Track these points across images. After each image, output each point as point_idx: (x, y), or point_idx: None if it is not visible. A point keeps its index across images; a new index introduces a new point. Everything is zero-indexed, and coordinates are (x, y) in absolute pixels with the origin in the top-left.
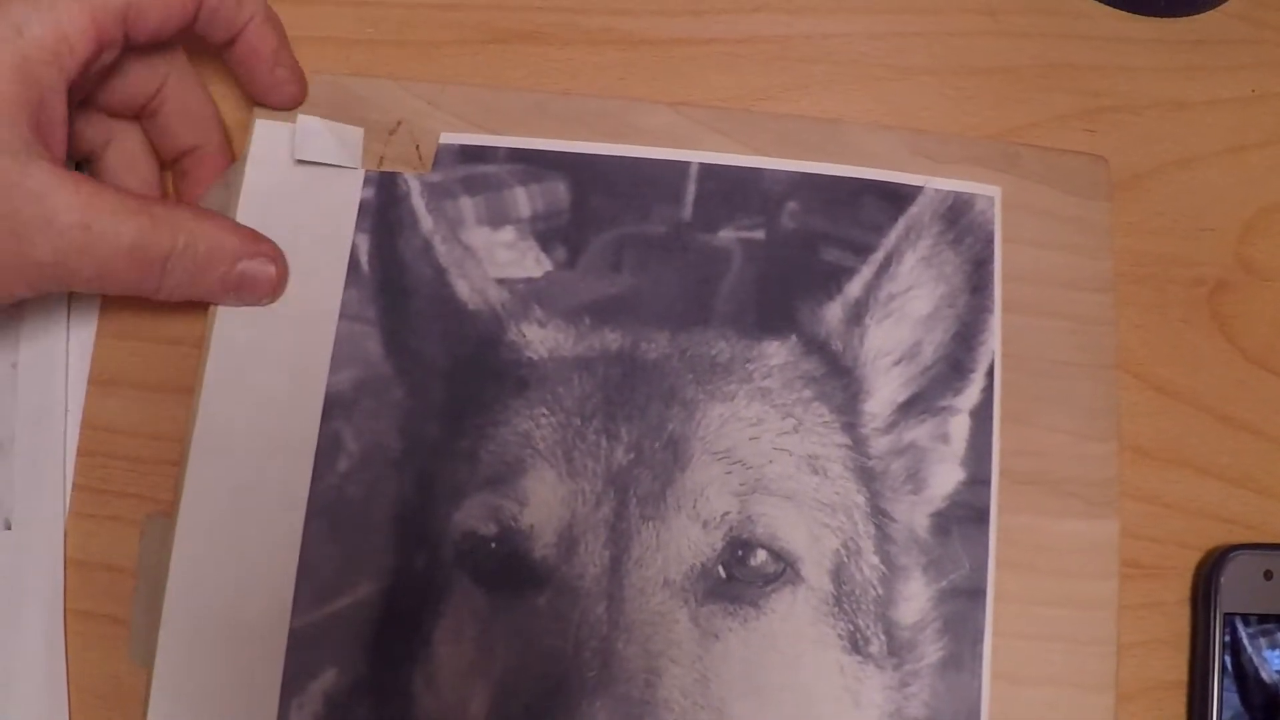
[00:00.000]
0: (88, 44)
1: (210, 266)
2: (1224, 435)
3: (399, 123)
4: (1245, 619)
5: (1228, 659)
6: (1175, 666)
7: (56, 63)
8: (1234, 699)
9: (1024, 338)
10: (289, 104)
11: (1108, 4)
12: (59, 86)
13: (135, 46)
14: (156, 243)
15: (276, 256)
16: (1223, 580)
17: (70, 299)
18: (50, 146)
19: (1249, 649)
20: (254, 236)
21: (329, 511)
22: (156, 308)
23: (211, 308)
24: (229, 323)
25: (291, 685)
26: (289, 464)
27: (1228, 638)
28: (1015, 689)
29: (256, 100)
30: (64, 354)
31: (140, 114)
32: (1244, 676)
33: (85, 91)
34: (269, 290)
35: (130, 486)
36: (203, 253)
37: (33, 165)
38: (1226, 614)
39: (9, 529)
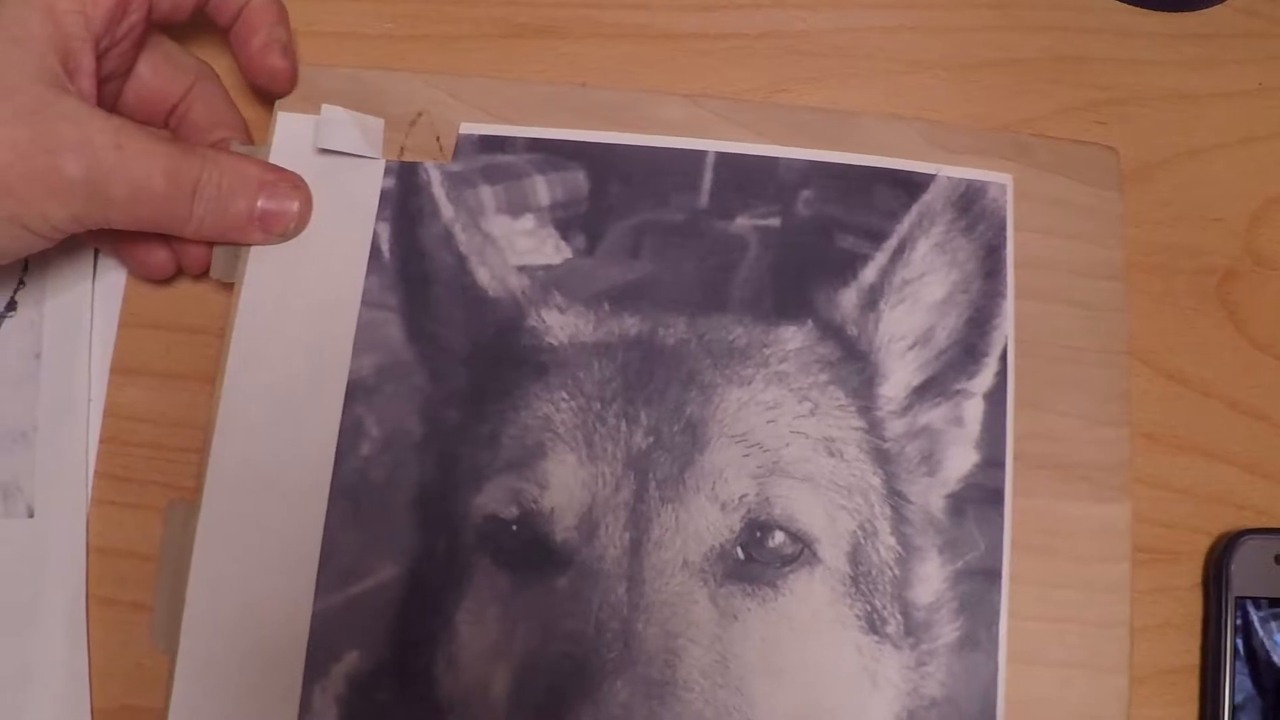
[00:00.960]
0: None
1: (236, 194)
2: (1233, 421)
3: (419, 114)
4: (1256, 603)
5: (1239, 642)
6: (1187, 650)
7: (82, 12)
8: (1246, 682)
9: (1036, 324)
10: (278, 84)
11: None
12: (86, 37)
13: (158, 14)
14: (187, 165)
15: (299, 186)
16: (1233, 564)
17: (94, 289)
18: (80, 91)
19: (1260, 632)
20: (275, 167)
21: (351, 495)
22: (178, 295)
23: (234, 292)
24: (252, 309)
25: (314, 668)
26: (311, 449)
27: (1239, 621)
28: (1030, 670)
29: (249, 81)
30: (87, 343)
31: (169, 119)
32: (1255, 660)
33: (114, 65)
34: (295, 220)
35: (152, 474)
36: (228, 181)
37: (65, 95)
38: (1238, 598)
39: (32, 516)
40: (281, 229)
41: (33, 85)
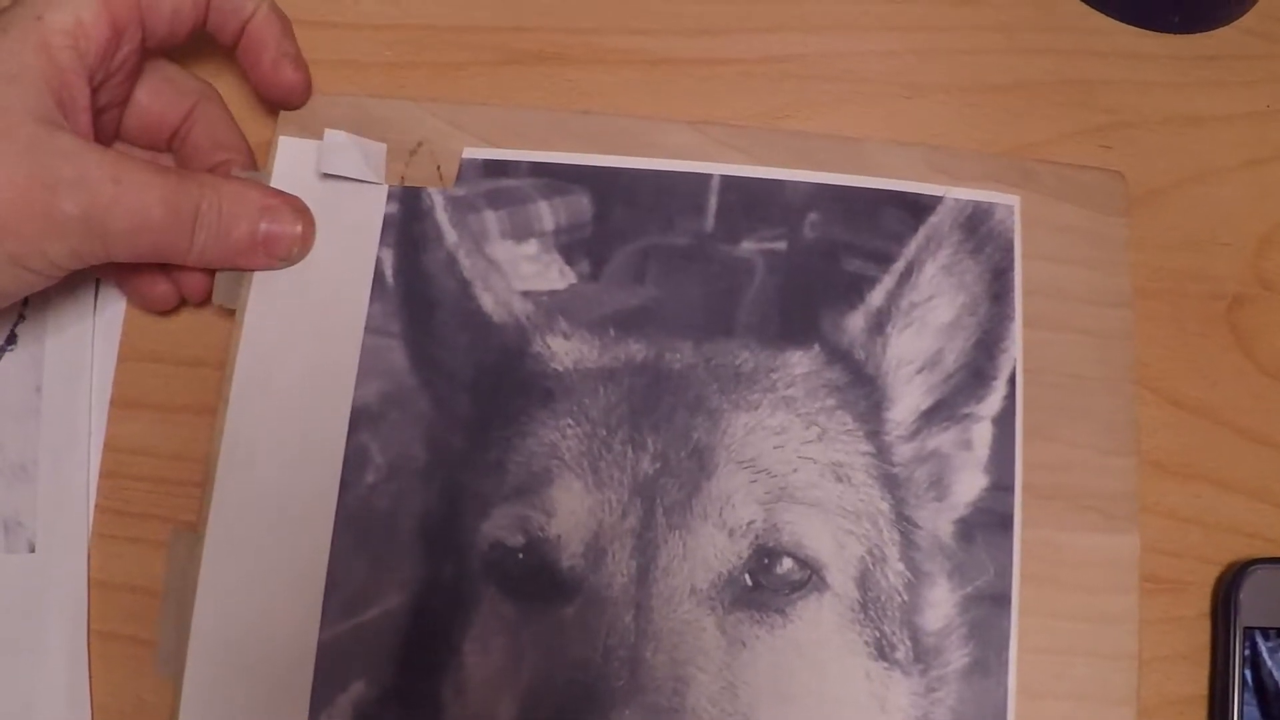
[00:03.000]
0: (103, 29)
1: (238, 219)
2: (1242, 449)
3: (420, 143)
4: (1265, 633)
5: (1248, 673)
6: (1196, 681)
7: (75, 46)
8: (1254, 713)
9: (1044, 352)
10: (295, 97)
11: (1122, 21)
12: (79, 69)
13: (153, 41)
14: (186, 194)
15: (302, 209)
16: (1242, 594)
17: (94, 322)
18: (75, 127)
19: (1269, 663)
20: (276, 191)
21: (356, 523)
22: (176, 328)
23: (237, 319)
24: (255, 336)
25: (320, 697)
26: (316, 477)
27: (1248, 651)
28: (1037, 703)
29: (264, 97)
30: (88, 377)
31: (170, 142)
32: (1264, 690)
33: (111, 95)
34: (297, 243)
35: (152, 508)
36: (228, 207)
37: (60, 132)
38: (1246, 628)
39: (33, 551)
40: (284, 253)
41: (28, 123)
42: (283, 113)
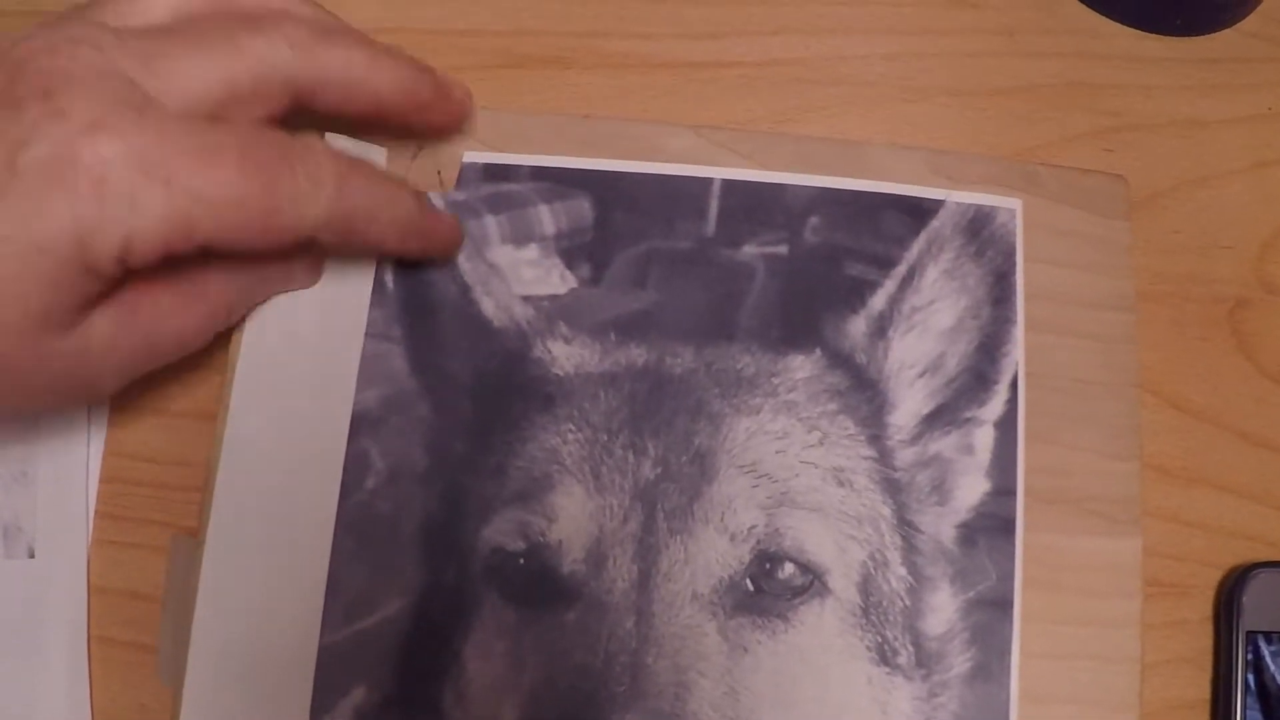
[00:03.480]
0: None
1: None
2: (1244, 453)
3: (420, 147)
4: (1268, 637)
5: (1251, 677)
6: (1198, 685)
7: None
8: (1257, 717)
9: (1046, 356)
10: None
11: (1125, 24)
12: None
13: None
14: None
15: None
16: (1245, 598)
17: None
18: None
19: (1272, 667)
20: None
21: (357, 529)
22: None
23: (237, 324)
24: (256, 341)
25: (321, 703)
26: (316, 482)
27: (1250, 656)
28: (1040, 708)
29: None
30: None
31: None
32: (1267, 695)
33: None
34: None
35: (153, 513)
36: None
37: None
38: (1249, 632)
39: (32, 557)
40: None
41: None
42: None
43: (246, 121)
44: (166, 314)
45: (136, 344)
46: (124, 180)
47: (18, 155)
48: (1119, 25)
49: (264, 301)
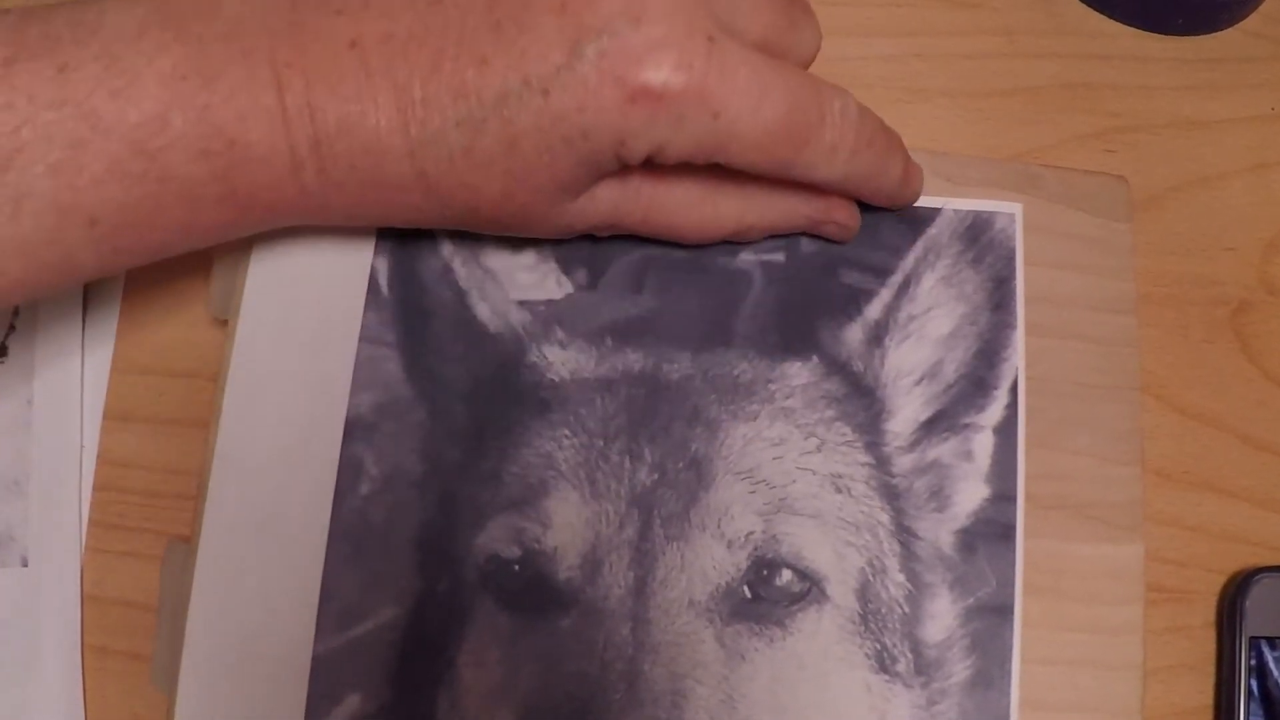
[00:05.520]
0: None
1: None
2: (1247, 457)
3: None
4: (1271, 642)
5: (1254, 683)
6: (1201, 691)
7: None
8: None
9: (1046, 360)
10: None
11: (1125, 23)
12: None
13: None
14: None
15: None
16: (1248, 604)
17: (84, 334)
18: None
19: (1275, 673)
20: None
21: (351, 536)
22: (169, 340)
23: (230, 329)
24: (249, 346)
25: (315, 711)
26: (310, 488)
27: (1253, 662)
28: (1041, 714)
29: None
30: (79, 389)
31: None
32: (1270, 701)
33: None
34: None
35: (146, 522)
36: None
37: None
38: (1252, 638)
39: (26, 565)
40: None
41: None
42: None
43: (794, 66)
44: (667, 204)
45: (633, 220)
46: (678, 103)
47: (586, 42)
48: (1120, 25)
49: (789, 230)
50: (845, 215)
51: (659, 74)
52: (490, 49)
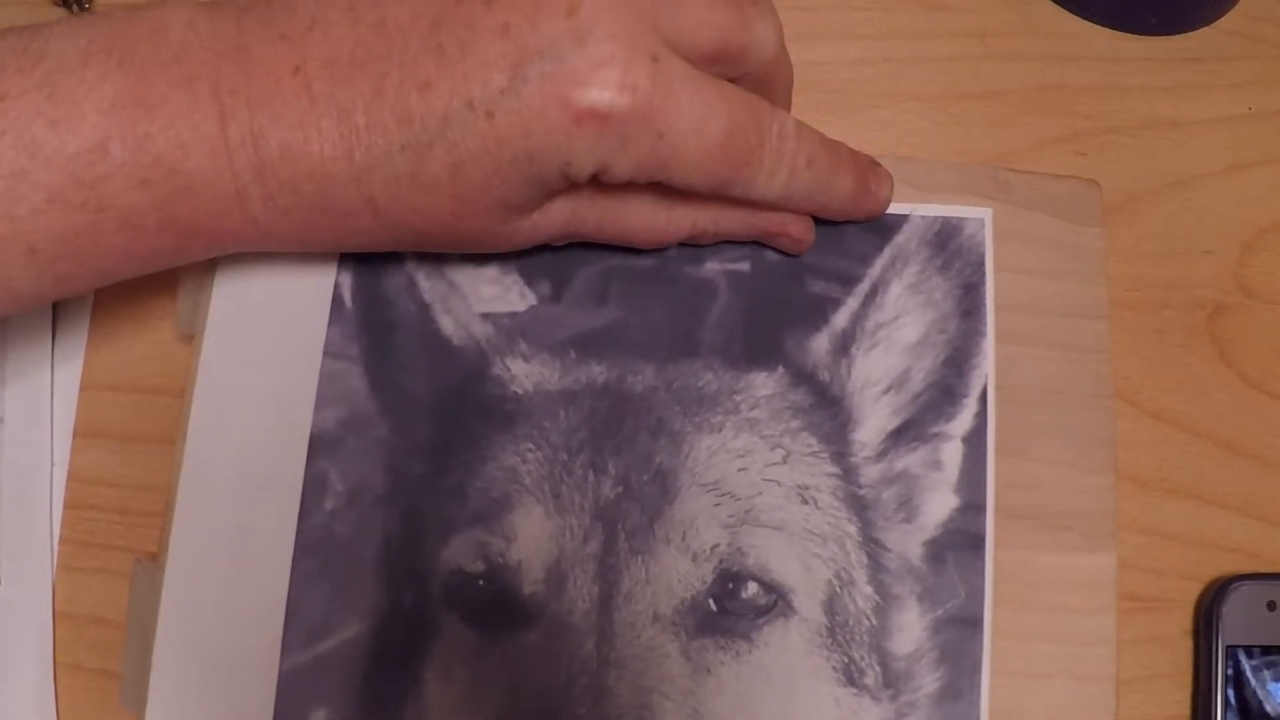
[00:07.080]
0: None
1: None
2: (1224, 462)
3: None
4: (1249, 651)
5: (1231, 692)
6: (1178, 701)
7: None
8: None
9: (1017, 368)
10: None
11: (1099, 24)
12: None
13: None
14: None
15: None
16: (1224, 612)
17: (53, 350)
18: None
19: (1252, 682)
20: None
21: (317, 551)
22: (137, 357)
23: (195, 346)
24: (213, 363)
25: None
26: (275, 505)
27: (1230, 671)
28: None
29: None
30: (49, 407)
31: None
32: (1247, 710)
33: None
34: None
35: (117, 539)
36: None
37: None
38: (1229, 646)
39: None
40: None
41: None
42: None
43: (736, 87)
44: (621, 213)
45: (588, 229)
46: (623, 124)
47: (529, 63)
48: (1094, 26)
49: (745, 238)
50: (799, 230)
51: (604, 95)
52: (433, 72)
